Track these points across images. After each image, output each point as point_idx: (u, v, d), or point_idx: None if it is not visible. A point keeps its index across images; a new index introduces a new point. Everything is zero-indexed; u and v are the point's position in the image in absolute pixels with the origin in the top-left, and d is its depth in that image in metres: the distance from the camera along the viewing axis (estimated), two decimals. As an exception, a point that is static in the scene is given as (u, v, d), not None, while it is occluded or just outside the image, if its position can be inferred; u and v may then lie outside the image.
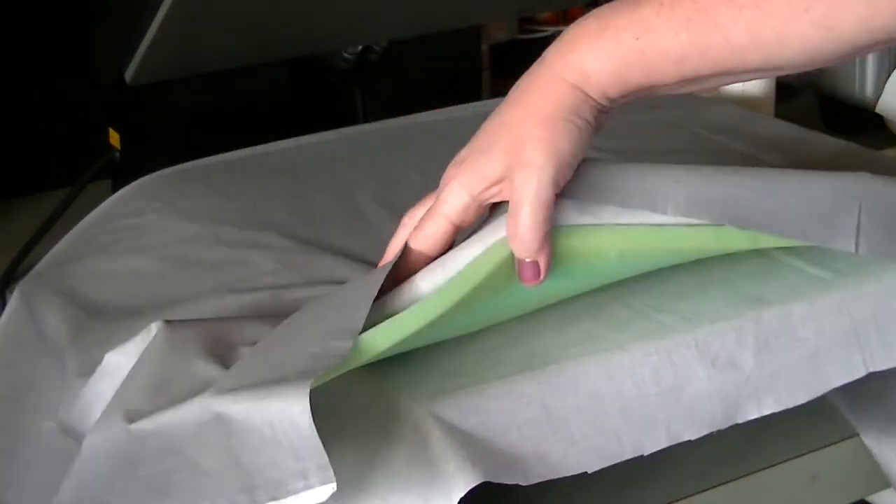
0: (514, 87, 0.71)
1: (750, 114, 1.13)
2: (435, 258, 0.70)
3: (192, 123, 1.09)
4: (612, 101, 0.69)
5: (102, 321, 0.80)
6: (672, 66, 0.67)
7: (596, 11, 0.70)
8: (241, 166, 0.99)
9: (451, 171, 0.70)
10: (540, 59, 0.71)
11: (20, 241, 1.04)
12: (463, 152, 0.71)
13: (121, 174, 1.11)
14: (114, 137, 1.14)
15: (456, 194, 0.69)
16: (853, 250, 0.73)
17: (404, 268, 0.70)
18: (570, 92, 0.68)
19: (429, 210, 0.70)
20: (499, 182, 0.68)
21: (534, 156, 0.67)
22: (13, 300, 0.89)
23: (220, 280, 0.82)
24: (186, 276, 0.83)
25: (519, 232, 0.67)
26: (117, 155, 1.14)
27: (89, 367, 0.73)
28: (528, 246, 0.67)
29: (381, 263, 0.72)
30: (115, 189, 0.98)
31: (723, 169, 0.73)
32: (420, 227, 0.70)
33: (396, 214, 0.89)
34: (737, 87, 1.26)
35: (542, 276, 0.68)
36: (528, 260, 0.68)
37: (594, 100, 0.68)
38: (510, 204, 0.68)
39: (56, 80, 1.22)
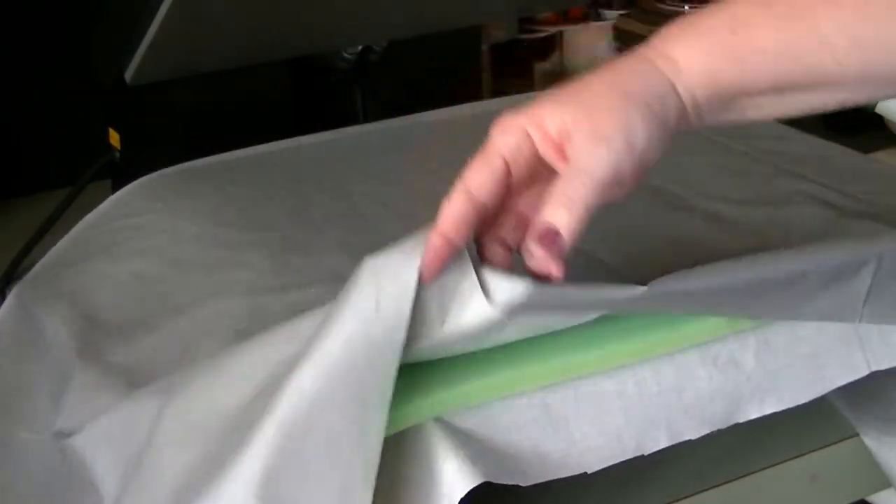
0: (603, 65, 0.65)
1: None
2: (488, 206, 0.63)
3: (192, 123, 1.09)
4: (697, 106, 0.64)
5: (107, 332, 0.79)
6: (766, 66, 0.64)
7: (686, 15, 0.66)
8: (241, 166, 0.99)
9: (506, 114, 0.64)
10: (632, 50, 0.66)
11: (20, 241, 1.04)
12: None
13: (121, 174, 1.10)
14: (114, 137, 1.14)
15: (511, 131, 0.63)
16: (857, 321, 0.74)
17: (451, 219, 0.62)
18: (660, 79, 0.64)
19: (478, 152, 0.63)
20: (557, 135, 0.62)
21: (605, 124, 0.61)
22: (7, 302, 0.89)
23: (220, 282, 0.81)
24: (187, 278, 0.83)
25: (566, 199, 0.60)
26: (117, 155, 1.14)
27: (98, 384, 0.74)
28: (569, 217, 0.60)
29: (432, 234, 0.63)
30: (115, 189, 0.98)
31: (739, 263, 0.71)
32: (469, 168, 0.63)
33: (396, 214, 0.90)
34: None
35: (560, 252, 0.60)
36: (556, 229, 0.60)
37: (680, 97, 0.64)
38: (568, 166, 0.61)
39: (56, 80, 1.22)
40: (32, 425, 0.81)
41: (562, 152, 0.62)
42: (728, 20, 0.64)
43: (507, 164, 0.63)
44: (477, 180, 0.63)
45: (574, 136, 0.61)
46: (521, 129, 0.62)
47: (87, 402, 0.73)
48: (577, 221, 0.61)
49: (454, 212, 0.62)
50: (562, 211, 0.60)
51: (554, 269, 0.61)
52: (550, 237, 0.60)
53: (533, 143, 0.63)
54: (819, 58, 0.63)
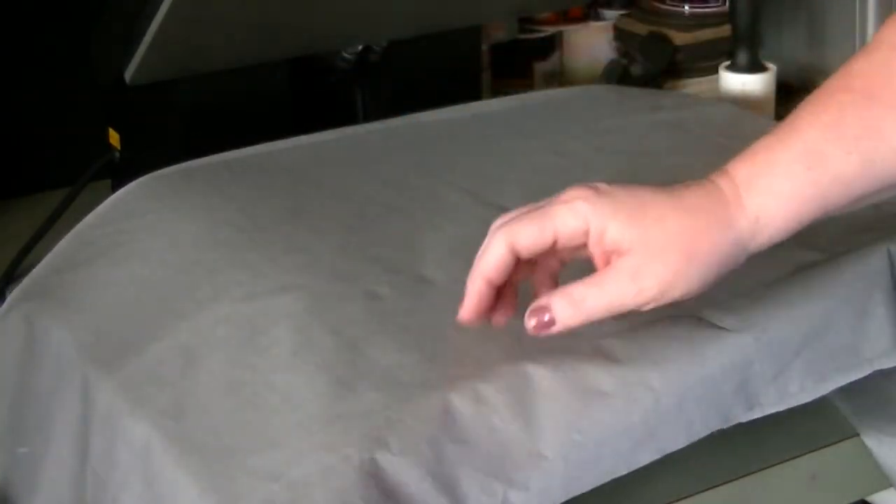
0: (688, 190, 0.67)
1: (750, 114, 1.13)
2: (520, 262, 0.68)
3: (192, 123, 1.09)
4: (769, 244, 0.67)
5: (110, 343, 0.80)
6: (844, 191, 0.66)
7: (759, 142, 0.68)
8: (241, 166, 0.99)
9: (579, 189, 0.67)
10: (715, 180, 0.68)
11: (20, 241, 1.04)
12: (605, 185, 0.67)
13: (121, 174, 1.11)
14: (114, 137, 1.14)
15: (575, 216, 0.66)
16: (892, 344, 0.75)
17: (494, 265, 0.67)
18: (738, 243, 0.66)
19: (535, 209, 0.67)
20: (610, 246, 0.65)
21: (651, 274, 0.65)
22: (8, 306, 0.88)
23: (220, 284, 0.81)
24: (188, 281, 0.83)
25: (579, 304, 0.65)
26: (117, 155, 1.14)
27: (104, 412, 0.75)
28: (570, 318, 0.65)
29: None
30: (115, 189, 0.98)
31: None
32: (520, 222, 0.67)
33: (396, 214, 0.90)
34: (737, 87, 1.26)
35: (545, 335, 0.66)
36: (553, 318, 0.66)
37: (749, 252, 0.67)
38: (600, 278, 0.65)
39: (56, 80, 1.22)
40: (34, 439, 0.81)
41: (607, 261, 0.66)
42: (803, 156, 0.66)
43: (556, 240, 0.66)
44: (525, 240, 0.67)
45: (622, 261, 0.65)
46: (584, 220, 0.65)
47: (97, 434, 0.75)
48: (575, 324, 0.66)
49: (498, 258, 0.67)
50: (569, 311, 0.65)
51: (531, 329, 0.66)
52: (543, 322, 0.66)
53: (587, 236, 0.65)
54: (889, 167, 0.66)
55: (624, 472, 0.68)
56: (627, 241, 0.65)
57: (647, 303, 0.65)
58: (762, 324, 0.73)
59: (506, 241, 0.67)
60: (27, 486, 0.81)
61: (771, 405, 0.72)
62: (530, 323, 0.66)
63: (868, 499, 0.86)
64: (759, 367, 0.72)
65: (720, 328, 0.72)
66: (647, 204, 0.65)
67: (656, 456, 0.69)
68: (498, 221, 0.69)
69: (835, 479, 0.81)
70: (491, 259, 0.67)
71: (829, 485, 0.81)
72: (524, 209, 0.69)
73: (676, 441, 0.69)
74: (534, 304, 0.66)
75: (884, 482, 0.81)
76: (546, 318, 0.66)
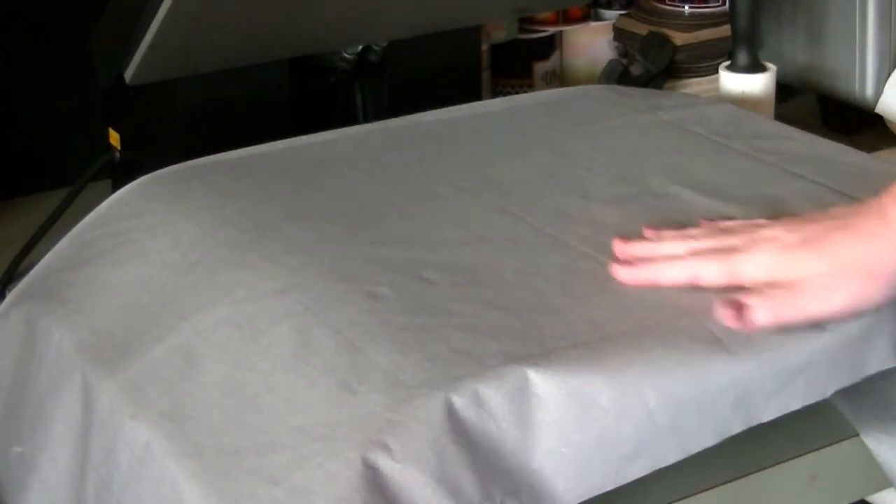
0: (857, 216, 0.74)
1: (750, 114, 1.13)
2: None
3: (192, 123, 1.09)
4: None
5: (111, 343, 0.80)
6: None
7: None
8: (241, 166, 0.99)
9: (764, 234, 0.76)
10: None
11: (20, 241, 1.04)
12: (785, 232, 0.74)
13: (121, 174, 1.10)
14: (114, 137, 1.14)
15: (758, 267, 0.73)
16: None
17: (669, 282, 0.74)
18: None
19: (727, 258, 0.74)
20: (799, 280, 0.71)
21: (853, 298, 0.71)
22: (7, 306, 0.88)
23: (221, 285, 0.81)
24: (188, 282, 0.82)
25: (782, 310, 0.70)
26: (117, 155, 1.14)
27: (103, 413, 0.75)
28: (765, 321, 0.70)
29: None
30: (115, 189, 0.98)
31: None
32: (713, 263, 0.74)
33: (396, 214, 0.90)
34: (737, 87, 1.26)
35: (739, 326, 0.70)
36: (753, 319, 0.70)
37: None
38: (799, 283, 0.71)
39: (56, 80, 1.22)
40: (29, 439, 0.81)
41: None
42: None
43: (730, 282, 0.73)
44: (705, 279, 0.74)
45: (813, 278, 0.71)
46: (767, 272, 0.72)
47: (98, 435, 0.75)
48: (769, 326, 0.70)
49: (674, 282, 0.74)
50: (768, 314, 0.70)
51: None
52: (740, 318, 0.70)
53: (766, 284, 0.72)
54: None
55: (612, 486, 0.68)
56: (811, 274, 0.71)
57: (837, 316, 0.72)
58: (764, 342, 0.72)
59: (688, 274, 0.74)
60: (19, 486, 0.81)
61: (769, 417, 0.73)
62: (726, 314, 0.70)
63: (868, 499, 0.86)
64: (759, 386, 0.72)
65: (722, 344, 0.72)
66: (824, 239, 0.73)
67: (647, 471, 0.69)
68: (683, 242, 0.76)
69: (835, 479, 0.81)
70: (666, 279, 0.74)
71: (828, 485, 0.81)
72: (710, 231, 0.77)
73: (668, 456, 0.70)
74: (730, 298, 0.71)
75: (884, 482, 0.81)
76: (743, 314, 0.70)
